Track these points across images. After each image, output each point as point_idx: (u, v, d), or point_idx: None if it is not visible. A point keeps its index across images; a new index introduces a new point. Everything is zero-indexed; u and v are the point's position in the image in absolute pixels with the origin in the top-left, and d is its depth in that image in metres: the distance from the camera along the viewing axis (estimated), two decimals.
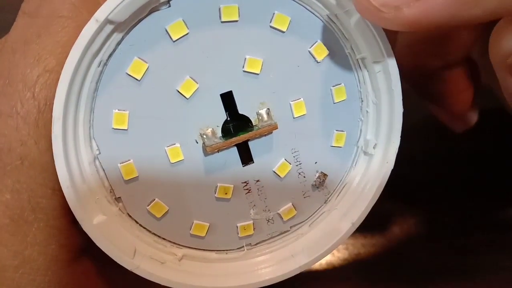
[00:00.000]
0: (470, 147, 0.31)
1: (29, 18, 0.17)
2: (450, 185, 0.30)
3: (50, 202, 0.17)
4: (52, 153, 0.16)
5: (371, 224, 0.20)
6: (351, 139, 0.20)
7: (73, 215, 0.18)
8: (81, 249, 0.19)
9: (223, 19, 0.17)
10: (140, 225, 0.19)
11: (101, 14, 0.15)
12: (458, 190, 0.30)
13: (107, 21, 0.15)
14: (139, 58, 0.17)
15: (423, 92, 0.26)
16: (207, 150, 0.18)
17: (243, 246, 0.20)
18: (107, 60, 0.16)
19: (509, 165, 0.30)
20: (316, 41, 0.18)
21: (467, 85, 0.24)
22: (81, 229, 0.18)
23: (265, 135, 0.19)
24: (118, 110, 0.17)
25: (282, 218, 0.20)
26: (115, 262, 0.17)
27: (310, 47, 0.18)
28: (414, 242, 0.27)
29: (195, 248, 0.19)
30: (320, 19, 0.18)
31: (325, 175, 0.20)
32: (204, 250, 0.20)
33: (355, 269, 0.27)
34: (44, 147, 0.16)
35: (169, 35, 0.17)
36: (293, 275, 0.20)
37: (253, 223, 0.20)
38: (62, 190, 0.17)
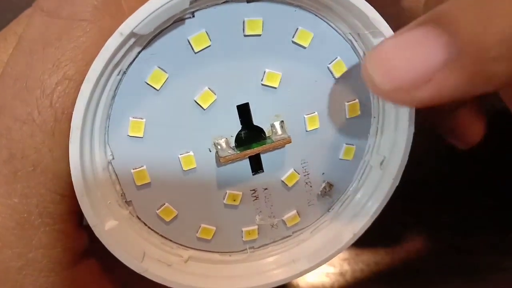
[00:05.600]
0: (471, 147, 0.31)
1: (48, 18, 0.16)
2: (450, 185, 0.30)
3: (58, 207, 0.17)
4: (66, 161, 0.16)
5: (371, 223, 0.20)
6: (360, 153, 0.20)
7: (79, 219, 0.18)
8: (86, 250, 0.19)
9: (246, 33, 0.17)
10: (149, 227, 0.19)
11: (126, 27, 0.15)
12: (458, 190, 0.30)
13: (132, 35, 0.15)
14: (159, 68, 0.16)
15: (438, 126, 0.25)
16: (221, 161, 0.18)
17: (246, 249, 0.21)
18: (127, 68, 0.16)
19: (509, 165, 0.31)
20: (336, 58, 0.18)
21: (479, 117, 0.23)
22: (87, 231, 0.19)
23: (278, 148, 0.19)
24: (135, 118, 0.17)
25: (286, 224, 0.21)
26: (120, 262, 0.18)
27: (329, 64, 0.18)
28: (414, 242, 0.28)
29: (201, 250, 0.20)
30: (342, 37, 0.18)
31: (331, 185, 0.20)
32: (208, 251, 0.20)
33: (354, 268, 0.28)
34: (58, 155, 0.16)
35: (191, 46, 0.16)
36: (294, 279, 0.21)
37: (258, 228, 0.20)
38: (71, 196, 0.17)
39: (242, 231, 0.20)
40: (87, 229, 0.18)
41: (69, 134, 0.16)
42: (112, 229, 0.17)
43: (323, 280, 0.28)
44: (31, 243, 0.17)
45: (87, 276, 0.19)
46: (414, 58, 0.13)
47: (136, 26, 0.15)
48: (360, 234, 0.20)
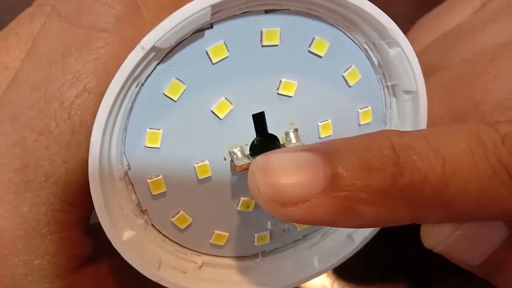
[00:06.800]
0: None
1: (67, 25, 0.16)
2: None
3: (66, 215, 0.17)
4: (79, 172, 0.16)
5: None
6: None
7: (85, 226, 0.18)
8: (90, 255, 0.19)
9: (264, 43, 0.17)
10: (164, 235, 0.19)
11: (148, 41, 0.14)
12: None
13: (153, 49, 0.15)
14: (177, 79, 0.16)
15: None
16: (237, 170, 0.18)
17: (258, 253, 0.21)
18: (145, 80, 0.16)
19: None
20: (351, 66, 0.18)
21: None
22: (91, 237, 0.19)
23: None
24: (152, 129, 0.17)
25: (297, 228, 0.21)
26: (125, 265, 0.18)
27: (344, 72, 0.18)
28: (415, 242, 0.28)
29: (214, 255, 0.20)
30: (358, 46, 0.18)
31: None
32: (222, 257, 0.20)
33: (354, 268, 0.28)
34: (72, 166, 0.16)
35: (209, 57, 0.16)
36: (305, 282, 0.21)
37: (270, 233, 0.21)
38: (80, 205, 0.17)
39: (254, 236, 0.20)
40: (91, 236, 0.19)
41: (85, 146, 0.16)
42: (130, 239, 0.17)
43: (323, 280, 0.29)
44: (37, 250, 0.16)
45: (91, 280, 0.19)
46: (298, 179, 0.14)
47: (158, 40, 0.14)
48: (370, 238, 0.21)
